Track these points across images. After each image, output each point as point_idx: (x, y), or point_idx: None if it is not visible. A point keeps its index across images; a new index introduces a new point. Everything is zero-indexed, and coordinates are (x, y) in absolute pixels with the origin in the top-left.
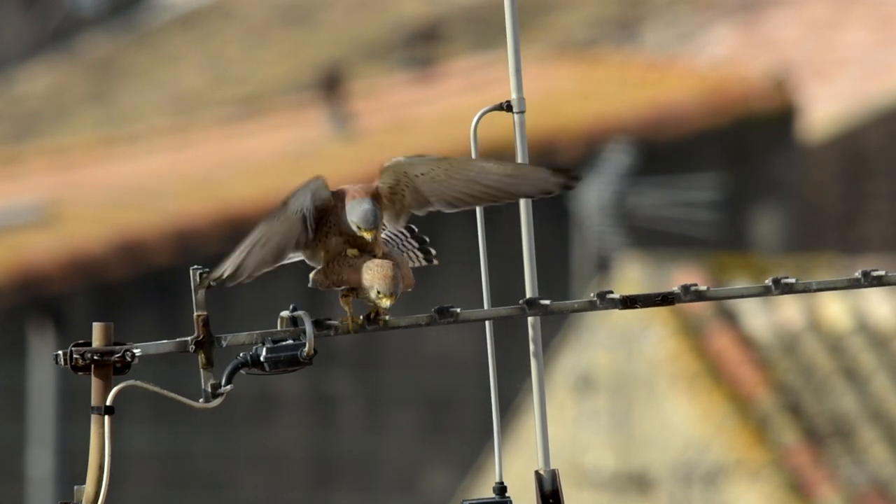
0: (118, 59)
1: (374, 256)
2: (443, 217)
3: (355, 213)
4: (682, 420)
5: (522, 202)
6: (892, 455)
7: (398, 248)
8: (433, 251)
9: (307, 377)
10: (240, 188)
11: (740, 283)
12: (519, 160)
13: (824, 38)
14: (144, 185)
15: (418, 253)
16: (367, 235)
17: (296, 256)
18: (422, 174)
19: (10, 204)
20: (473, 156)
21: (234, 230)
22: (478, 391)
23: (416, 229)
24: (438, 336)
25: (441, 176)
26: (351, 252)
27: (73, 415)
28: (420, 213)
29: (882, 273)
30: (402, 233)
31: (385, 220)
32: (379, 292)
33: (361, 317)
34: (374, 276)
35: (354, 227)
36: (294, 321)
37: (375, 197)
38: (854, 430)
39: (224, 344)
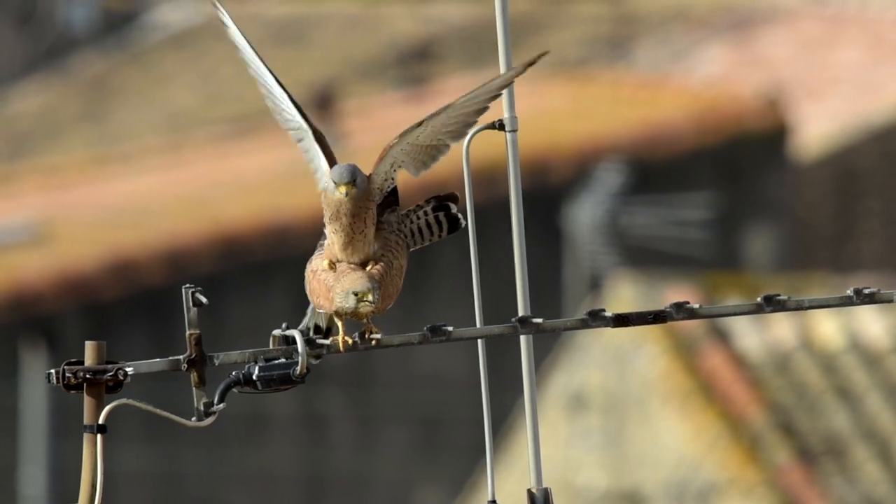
0: (111, 79)
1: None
2: None
3: (333, 171)
4: (675, 439)
5: (515, 224)
6: (885, 474)
7: (399, 238)
8: (459, 215)
9: (299, 396)
10: (232, 207)
11: (733, 302)
12: (511, 179)
13: (817, 56)
14: (137, 205)
15: (442, 222)
16: (345, 190)
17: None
18: (409, 144)
19: (3, 223)
20: (466, 177)
21: (226, 249)
22: (470, 409)
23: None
24: (431, 354)
25: (423, 139)
26: (328, 261)
27: (65, 433)
28: (433, 163)
29: (874, 291)
30: (418, 207)
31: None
32: (356, 294)
33: (355, 335)
34: (342, 282)
35: (331, 186)
36: (286, 340)
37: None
38: (847, 449)
39: (216, 363)
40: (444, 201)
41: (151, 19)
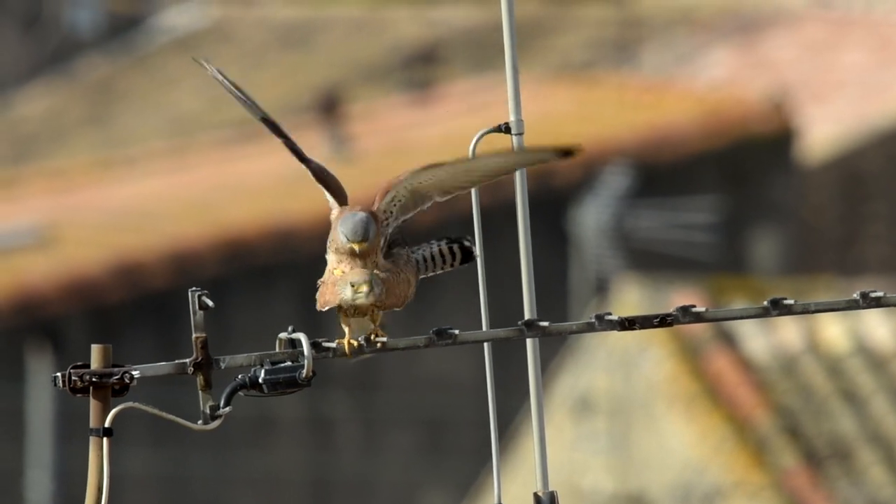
0: (116, 82)
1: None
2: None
3: (346, 224)
4: (681, 442)
5: (521, 228)
6: (891, 477)
7: (409, 263)
8: (473, 248)
9: (305, 399)
10: (237, 211)
11: (739, 305)
12: (517, 182)
13: (822, 59)
14: (142, 208)
15: (456, 252)
16: (357, 248)
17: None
18: (422, 181)
19: (8, 226)
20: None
21: (231, 253)
22: (476, 413)
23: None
24: (437, 358)
25: (443, 175)
26: (339, 270)
27: (71, 437)
28: (414, 212)
29: (881, 294)
30: (429, 243)
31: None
32: (352, 284)
33: (361, 338)
34: (346, 276)
35: (343, 239)
36: (292, 343)
37: (372, 215)
38: (853, 452)
39: (223, 366)
40: (456, 241)
41: (157, 23)
